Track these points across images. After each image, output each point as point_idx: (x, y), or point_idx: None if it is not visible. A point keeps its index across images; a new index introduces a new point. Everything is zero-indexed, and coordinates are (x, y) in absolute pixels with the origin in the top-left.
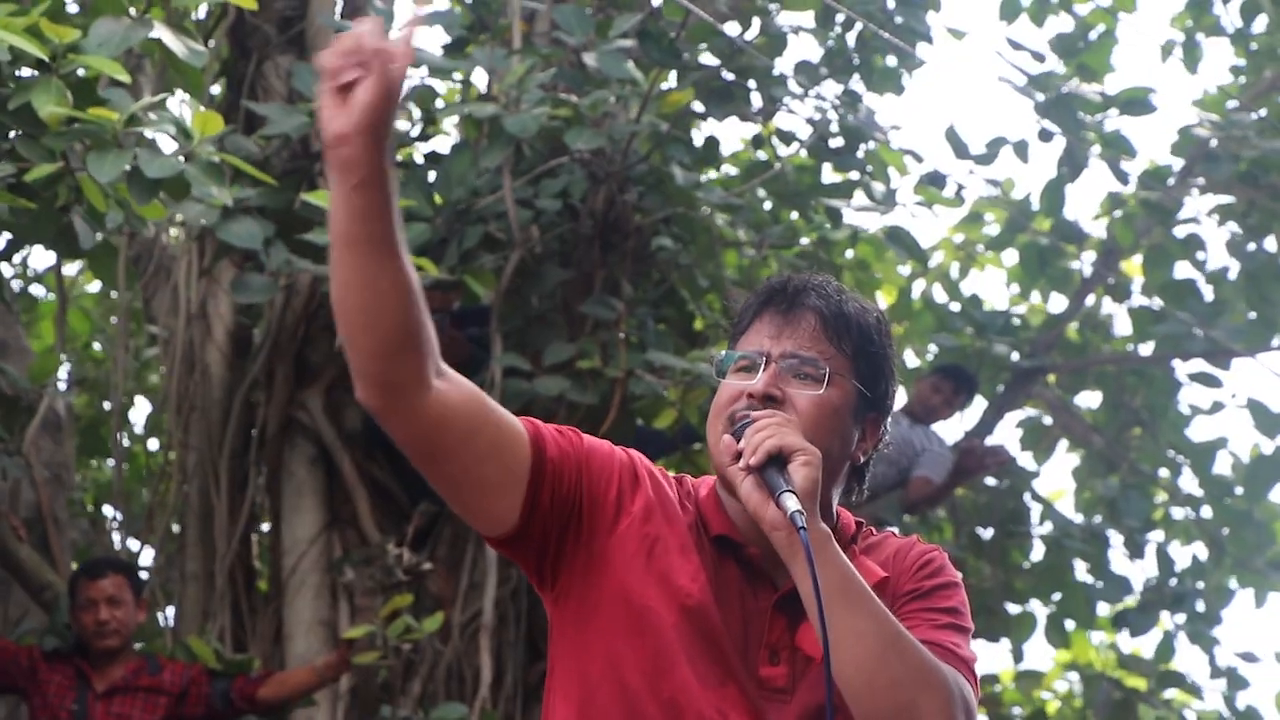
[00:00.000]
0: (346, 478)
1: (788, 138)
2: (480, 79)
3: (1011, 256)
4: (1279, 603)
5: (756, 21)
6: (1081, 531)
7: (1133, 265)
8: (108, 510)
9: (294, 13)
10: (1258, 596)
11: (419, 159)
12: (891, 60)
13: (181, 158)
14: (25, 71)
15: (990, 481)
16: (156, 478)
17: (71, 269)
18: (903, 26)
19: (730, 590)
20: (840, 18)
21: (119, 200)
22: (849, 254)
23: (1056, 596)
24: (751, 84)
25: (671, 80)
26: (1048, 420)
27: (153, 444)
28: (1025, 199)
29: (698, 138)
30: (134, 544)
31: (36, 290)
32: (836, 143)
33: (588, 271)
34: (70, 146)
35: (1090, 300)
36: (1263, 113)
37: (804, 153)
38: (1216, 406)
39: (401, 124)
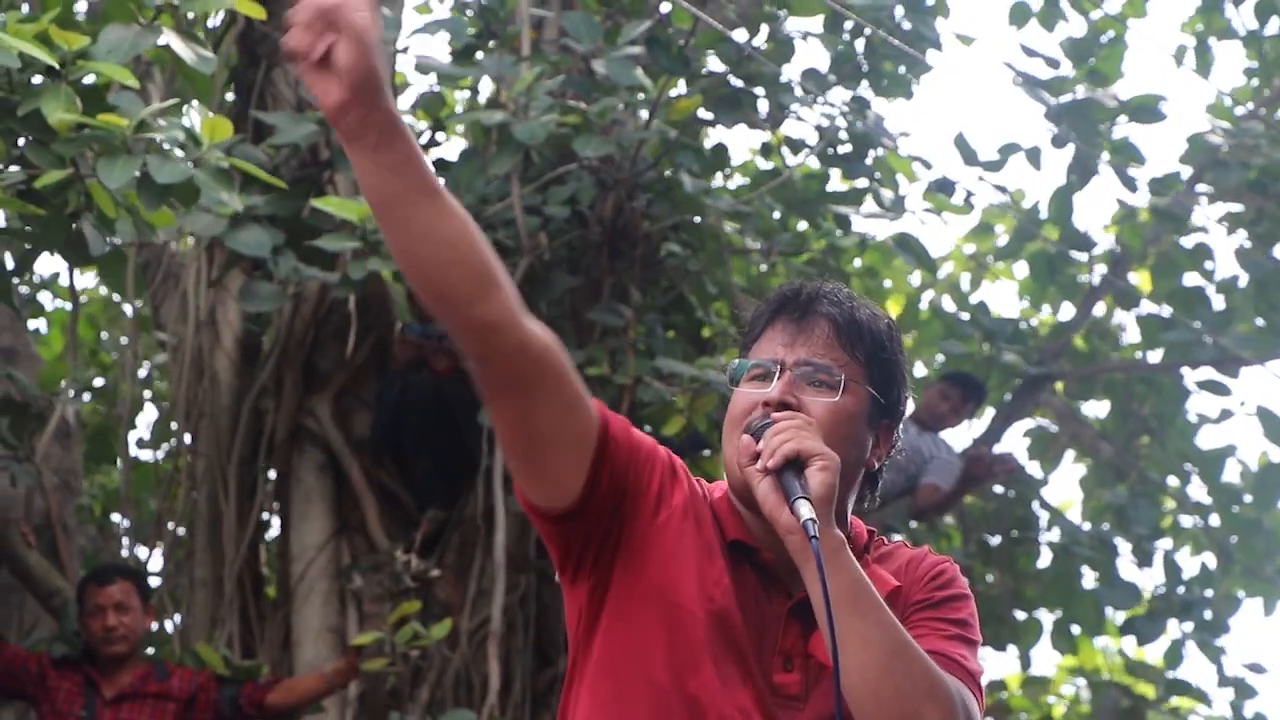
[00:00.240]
0: (355, 484)
1: (796, 146)
2: (488, 86)
3: (1023, 269)
4: None
5: (765, 28)
6: (1090, 539)
7: (1142, 272)
8: (115, 517)
9: None
10: (1266, 605)
11: None
12: (900, 68)
13: (190, 163)
14: (35, 79)
15: (998, 489)
16: (165, 484)
17: (79, 275)
18: (911, 33)
19: (747, 596)
20: (848, 24)
21: (128, 207)
22: (857, 262)
23: (1064, 604)
24: (760, 91)
25: (680, 87)
26: (1056, 428)
27: (162, 450)
28: (1034, 207)
29: (706, 145)
30: (142, 551)
31: (43, 296)
32: (845, 149)
33: (596, 278)
34: (80, 153)
35: (1101, 310)
36: (1277, 116)
37: (813, 160)
38: (1225, 414)
39: (412, 130)
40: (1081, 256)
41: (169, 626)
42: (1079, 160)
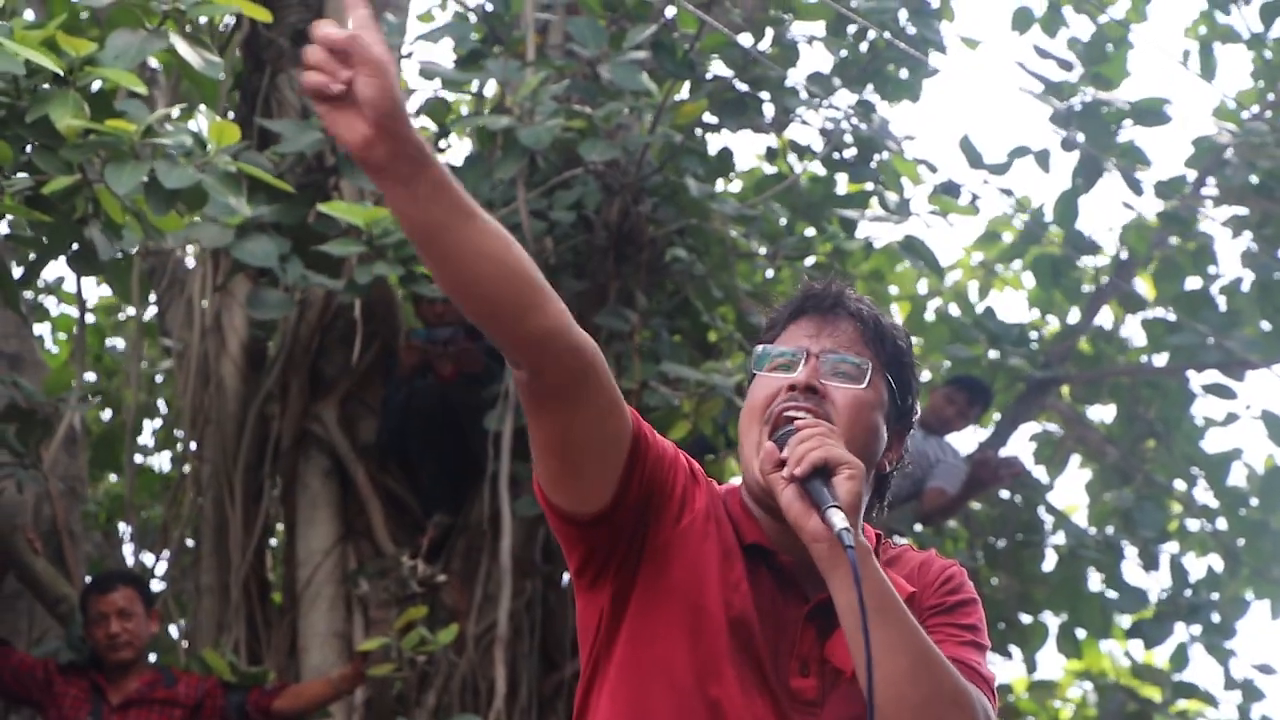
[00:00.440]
0: (361, 490)
1: (802, 150)
2: (494, 91)
3: (1031, 278)
4: None
5: (770, 32)
6: (1096, 542)
7: (1146, 276)
8: (121, 524)
9: (307, 26)
10: (1273, 607)
11: None
12: (904, 72)
13: (194, 169)
14: (43, 85)
15: (1004, 493)
16: (171, 490)
17: (85, 281)
18: (916, 36)
19: (764, 599)
20: (852, 28)
21: (136, 212)
22: (863, 265)
23: (1071, 607)
24: (765, 95)
25: (685, 91)
26: (1062, 432)
27: (166, 457)
28: (1039, 210)
29: (711, 149)
30: (148, 557)
31: (48, 302)
32: (850, 153)
33: (602, 283)
34: (88, 159)
35: (1109, 318)
36: None
37: (818, 163)
38: (1231, 418)
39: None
40: (1087, 261)
41: (175, 633)
42: (1085, 163)
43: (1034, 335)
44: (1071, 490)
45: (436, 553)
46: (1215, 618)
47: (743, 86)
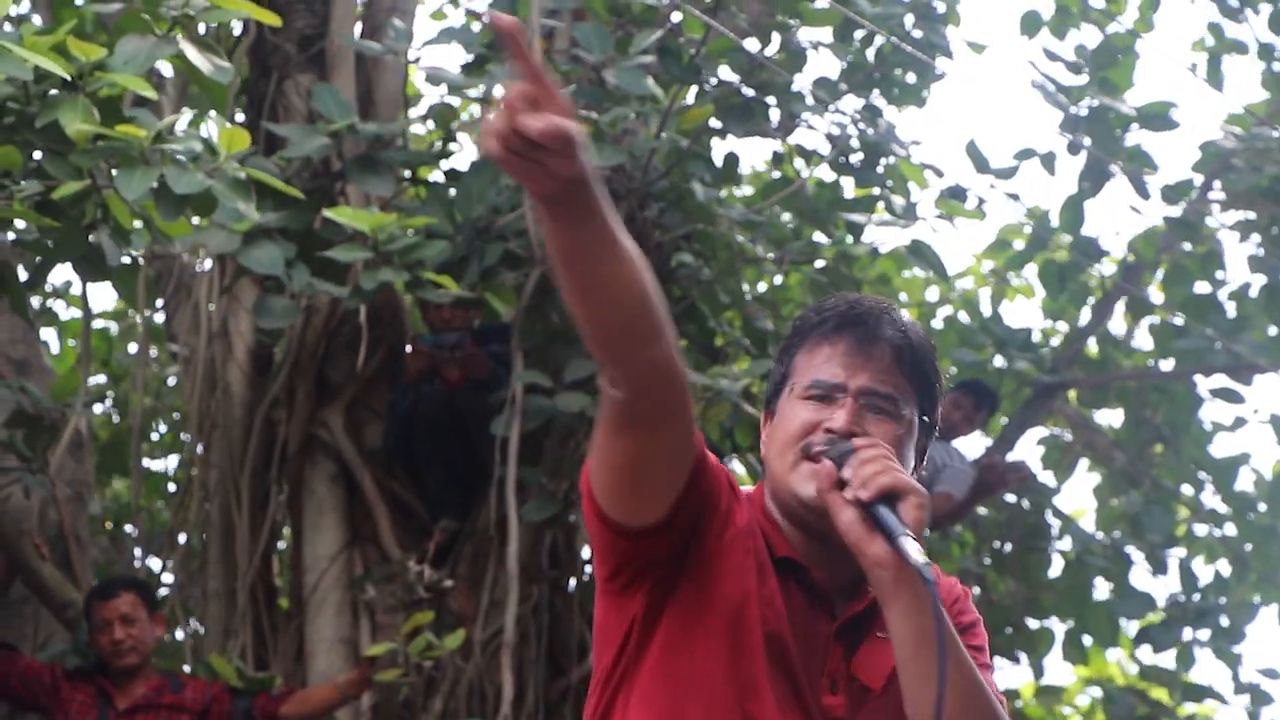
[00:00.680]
0: (367, 495)
1: (808, 155)
2: (500, 96)
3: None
4: None
5: (776, 37)
6: (1103, 548)
7: (1152, 280)
8: (128, 528)
9: (314, 31)
10: None
11: (439, 177)
12: (911, 76)
13: (203, 174)
14: (52, 91)
15: (1011, 498)
16: (178, 496)
17: (92, 286)
18: (923, 41)
19: (797, 616)
20: (859, 33)
21: (144, 217)
22: (869, 270)
23: (1078, 614)
24: (771, 100)
25: (691, 97)
26: (1069, 437)
27: (173, 462)
28: (1045, 215)
29: (718, 154)
30: (155, 562)
31: (56, 306)
32: (856, 157)
33: None
34: (97, 164)
35: (1120, 324)
36: None
37: (825, 168)
38: (1239, 422)
39: (421, 142)
40: (1095, 268)
41: (181, 638)
42: (1091, 167)
43: (1049, 342)
44: (1079, 495)
45: (443, 558)
46: (1223, 622)
47: (749, 91)
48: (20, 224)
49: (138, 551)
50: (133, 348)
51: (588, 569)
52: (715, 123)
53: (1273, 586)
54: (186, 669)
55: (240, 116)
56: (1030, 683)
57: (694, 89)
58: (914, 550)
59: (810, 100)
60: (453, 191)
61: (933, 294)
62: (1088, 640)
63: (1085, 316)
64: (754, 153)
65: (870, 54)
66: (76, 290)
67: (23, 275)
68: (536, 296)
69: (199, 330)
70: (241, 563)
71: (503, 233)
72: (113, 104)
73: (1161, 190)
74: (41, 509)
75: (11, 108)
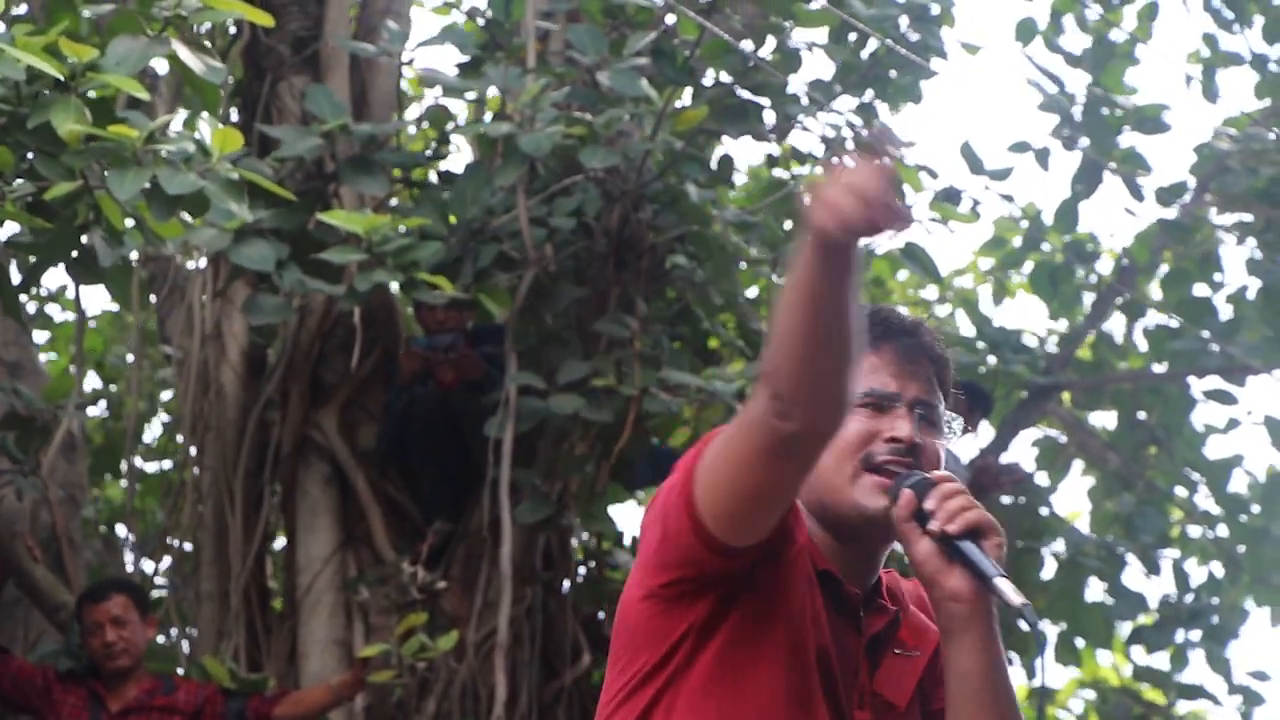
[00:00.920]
0: (361, 496)
1: (803, 158)
2: (494, 98)
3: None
4: None
5: (771, 39)
6: (1096, 548)
7: (1148, 281)
8: (120, 530)
9: (308, 33)
10: (1274, 614)
11: (433, 178)
12: (904, 75)
13: (196, 175)
14: (44, 91)
15: (1005, 499)
16: (171, 497)
17: (85, 288)
18: (918, 43)
19: (836, 630)
20: (854, 35)
21: (137, 218)
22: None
23: (1071, 616)
24: (766, 101)
25: (686, 98)
26: (1063, 439)
27: (166, 464)
28: (1038, 216)
29: (712, 156)
30: (148, 564)
31: (50, 309)
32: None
33: (602, 290)
34: (89, 165)
35: (1118, 326)
36: None
37: (819, 169)
38: (1232, 424)
39: (416, 144)
40: (1090, 271)
41: (175, 638)
42: (1085, 168)
43: (1048, 343)
44: (1073, 497)
45: (436, 559)
46: (1216, 620)
47: (744, 93)
48: (13, 225)
49: (130, 554)
50: (129, 358)
51: (581, 570)
52: (710, 124)
53: (1266, 589)
54: (180, 671)
55: (234, 118)
56: (1023, 685)
57: (688, 91)
58: (1011, 591)
59: (805, 102)
60: (446, 193)
61: (931, 293)
62: (1081, 642)
63: (1081, 320)
64: (750, 156)
65: (865, 55)
66: (71, 294)
67: (15, 277)
68: (530, 298)
69: (192, 332)
70: (235, 564)
71: (497, 234)
72: (105, 105)
73: (1156, 192)
74: (34, 511)
75: (3, 108)
